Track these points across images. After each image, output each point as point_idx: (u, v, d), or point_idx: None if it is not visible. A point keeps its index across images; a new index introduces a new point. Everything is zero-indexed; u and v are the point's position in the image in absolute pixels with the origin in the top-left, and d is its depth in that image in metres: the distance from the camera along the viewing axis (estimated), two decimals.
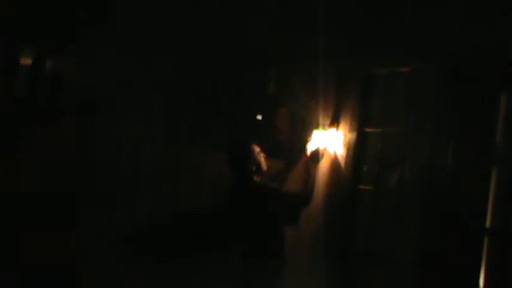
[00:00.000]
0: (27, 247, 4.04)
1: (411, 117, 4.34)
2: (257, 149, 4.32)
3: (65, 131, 4.71)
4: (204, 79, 5.92)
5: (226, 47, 5.65)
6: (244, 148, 4.29)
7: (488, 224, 3.87)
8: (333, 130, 4.81)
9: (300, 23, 5.04)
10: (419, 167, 4.17)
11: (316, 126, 4.88)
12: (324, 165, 4.90)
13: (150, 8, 5.45)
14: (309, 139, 4.90)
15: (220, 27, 5.50)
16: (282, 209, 4.22)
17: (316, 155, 4.48)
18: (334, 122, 4.84)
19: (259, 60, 5.60)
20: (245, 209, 4.23)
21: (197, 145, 5.15)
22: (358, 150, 4.68)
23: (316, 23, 4.75)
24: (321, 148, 4.51)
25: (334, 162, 4.81)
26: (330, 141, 4.80)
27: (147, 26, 5.51)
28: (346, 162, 4.71)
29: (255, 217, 4.18)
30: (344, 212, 4.67)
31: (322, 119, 4.91)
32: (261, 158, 4.32)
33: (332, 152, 4.84)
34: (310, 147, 4.46)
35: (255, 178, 4.27)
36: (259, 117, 5.80)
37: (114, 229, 4.35)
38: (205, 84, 5.93)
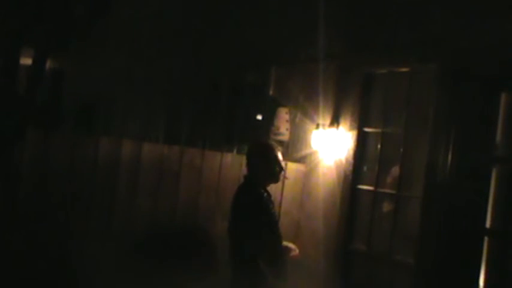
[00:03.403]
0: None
1: (411, 117, 4.34)
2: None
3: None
4: (204, 79, 5.92)
5: (226, 47, 5.65)
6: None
7: (488, 224, 3.87)
8: (332, 130, 4.81)
9: (300, 23, 5.04)
10: (419, 167, 4.17)
11: (316, 126, 4.88)
12: (324, 165, 4.90)
13: (150, 7, 5.45)
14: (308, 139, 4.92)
15: (221, 26, 5.50)
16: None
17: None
18: (334, 122, 4.84)
19: (260, 60, 5.60)
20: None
21: (197, 145, 5.15)
22: (358, 150, 4.67)
23: (316, 23, 4.75)
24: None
25: (334, 162, 4.81)
26: (329, 141, 4.81)
27: (146, 24, 5.51)
28: (346, 162, 4.71)
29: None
30: (344, 213, 4.67)
31: (322, 119, 4.91)
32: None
33: (332, 152, 4.84)
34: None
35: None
36: (259, 117, 5.80)
37: (113, 232, 4.34)
38: (205, 84, 5.93)
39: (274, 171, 4.05)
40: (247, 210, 3.89)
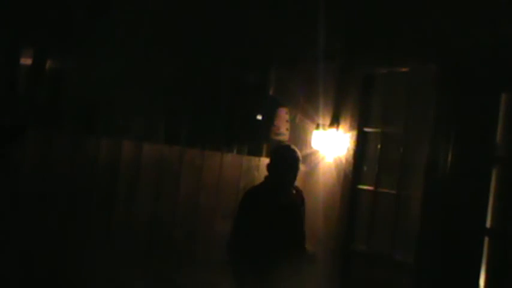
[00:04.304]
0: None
1: (411, 117, 4.34)
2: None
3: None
4: (204, 79, 5.92)
5: (226, 47, 5.65)
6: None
7: (488, 224, 3.87)
8: (333, 130, 4.81)
9: (300, 23, 5.04)
10: (419, 167, 4.17)
11: (316, 126, 4.88)
12: (324, 165, 4.90)
13: (151, 6, 5.45)
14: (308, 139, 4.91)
15: (221, 26, 5.50)
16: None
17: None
18: (334, 122, 4.84)
19: (260, 60, 5.60)
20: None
21: (197, 145, 5.15)
22: (358, 150, 4.68)
23: (316, 23, 4.75)
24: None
25: (334, 162, 4.82)
26: (330, 141, 4.81)
27: (147, 24, 5.52)
28: (346, 162, 4.71)
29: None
30: (344, 213, 4.67)
31: (322, 119, 4.91)
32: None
33: (332, 152, 4.84)
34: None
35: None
36: (259, 117, 5.80)
37: (114, 230, 4.35)
38: (205, 84, 5.93)
39: (291, 182, 3.97)
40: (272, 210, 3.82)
